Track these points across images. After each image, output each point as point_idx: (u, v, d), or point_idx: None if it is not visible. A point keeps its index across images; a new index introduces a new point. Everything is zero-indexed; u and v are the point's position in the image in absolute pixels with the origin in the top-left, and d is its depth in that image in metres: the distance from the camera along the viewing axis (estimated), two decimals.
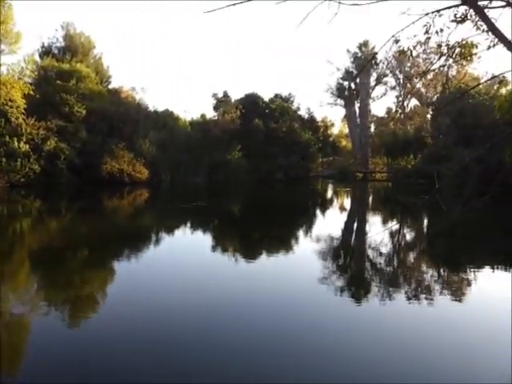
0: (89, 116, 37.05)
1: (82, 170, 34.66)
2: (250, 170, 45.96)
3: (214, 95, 54.40)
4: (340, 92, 58.58)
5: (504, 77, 5.42)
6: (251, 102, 51.18)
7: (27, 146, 32.27)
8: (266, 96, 54.13)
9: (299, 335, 6.95)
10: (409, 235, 18.76)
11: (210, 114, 53.17)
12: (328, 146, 64.60)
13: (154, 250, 13.92)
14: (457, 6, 4.94)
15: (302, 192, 39.77)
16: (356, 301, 8.95)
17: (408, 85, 43.30)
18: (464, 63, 6.03)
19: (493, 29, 4.74)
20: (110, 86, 47.14)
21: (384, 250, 14.44)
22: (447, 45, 5.37)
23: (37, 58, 42.12)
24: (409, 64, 52.18)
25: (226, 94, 54.49)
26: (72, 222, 19.99)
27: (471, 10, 4.91)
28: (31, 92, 33.04)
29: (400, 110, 63.14)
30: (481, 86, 30.04)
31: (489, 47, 5.21)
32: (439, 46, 5.46)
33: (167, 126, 45.19)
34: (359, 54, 56.58)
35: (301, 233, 18.28)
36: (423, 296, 9.16)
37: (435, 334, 7.11)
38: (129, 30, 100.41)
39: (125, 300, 8.49)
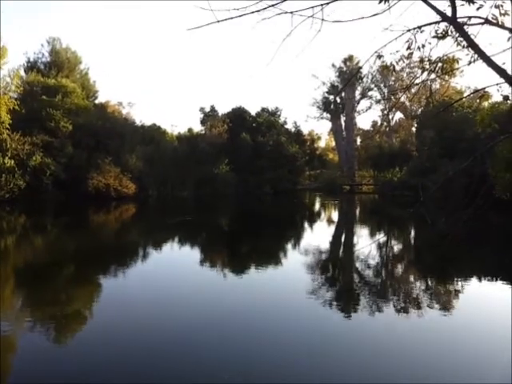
0: (75, 131, 36.88)
1: (68, 185, 34.36)
2: (238, 184, 45.97)
3: (202, 109, 54.61)
4: (326, 106, 59.20)
5: (485, 91, 5.52)
6: (238, 116, 51.41)
7: (12, 162, 31.94)
8: (253, 110, 54.52)
9: (288, 350, 6.92)
10: (396, 247, 18.88)
11: (198, 128, 53.31)
12: (315, 159, 65.06)
13: (140, 266, 13.78)
14: (437, 22, 5.06)
15: (289, 205, 39.86)
16: (345, 313, 8.95)
17: (393, 98, 43.88)
18: (447, 77, 6.16)
19: (472, 45, 4.87)
20: (97, 101, 47.15)
21: (372, 262, 14.50)
22: (429, 60, 5.49)
23: (22, 73, 42.00)
24: (393, 78, 52.96)
25: (213, 108, 54.70)
26: (57, 238, 19.74)
27: (451, 27, 5.04)
28: (16, 107, 32.79)
29: (385, 124, 63.99)
30: (464, 99, 30.55)
31: (469, 62, 5.33)
32: (421, 61, 5.58)
33: (154, 141, 45.13)
34: (344, 69, 57.37)
35: (289, 246, 18.29)
36: (411, 307, 9.20)
37: (424, 345, 7.13)
38: (116, 45, 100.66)
39: (110, 318, 8.37)
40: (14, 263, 14.30)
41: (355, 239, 20.68)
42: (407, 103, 53.89)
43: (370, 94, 59.79)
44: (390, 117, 62.85)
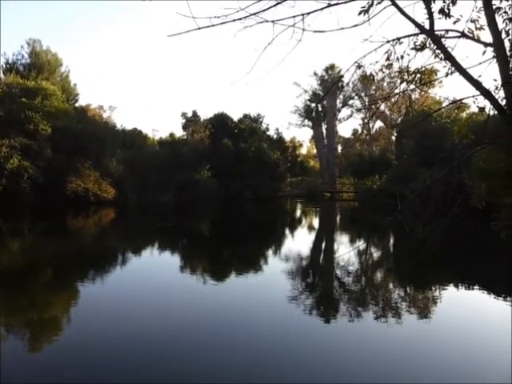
0: (54, 134, 36.28)
1: (46, 188, 33.72)
2: (219, 190, 45.84)
3: (183, 114, 54.38)
4: (307, 113, 59.66)
5: (462, 103, 5.66)
6: (220, 122, 51.39)
7: None
8: (235, 116, 54.59)
9: (269, 359, 6.92)
10: (375, 254, 19.07)
11: (179, 133, 53.04)
12: (296, 166, 65.37)
13: (117, 272, 13.62)
14: (416, 34, 5.18)
15: (271, 211, 39.94)
16: (325, 319, 9.00)
17: (373, 107, 44.44)
18: (426, 88, 6.29)
19: (449, 57, 4.99)
20: (77, 104, 46.51)
21: (352, 268, 14.61)
22: (408, 71, 5.60)
23: (0, 74, 41.28)
24: (374, 87, 53.70)
25: (195, 114, 54.54)
26: (34, 242, 19.38)
27: (429, 39, 5.16)
28: None
29: (366, 132, 64.78)
30: (442, 109, 31.11)
31: (447, 74, 5.45)
32: (401, 71, 5.69)
33: (135, 145, 44.76)
34: (326, 77, 57.99)
35: (270, 252, 18.31)
36: (390, 313, 9.30)
37: (403, 350, 7.21)
38: (98, 48, 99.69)
39: (87, 324, 8.24)
40: None
41: (335, 246, 20.82)
42: (387, 112, 54.73)
43: (350, 102, 60.64)
44: (371, 125, 63.78)
